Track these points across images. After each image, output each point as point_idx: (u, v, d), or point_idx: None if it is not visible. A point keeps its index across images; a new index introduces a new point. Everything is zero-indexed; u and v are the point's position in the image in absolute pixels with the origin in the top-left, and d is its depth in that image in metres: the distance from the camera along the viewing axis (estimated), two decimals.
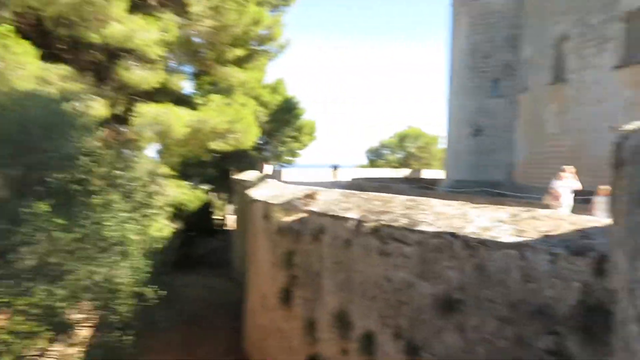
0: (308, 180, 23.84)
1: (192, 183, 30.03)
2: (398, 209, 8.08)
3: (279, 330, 10.62)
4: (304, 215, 10.36)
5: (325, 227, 9.20)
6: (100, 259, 7.69)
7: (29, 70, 10.27)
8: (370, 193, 9.45)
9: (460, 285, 6.20)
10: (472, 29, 30.36)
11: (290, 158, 39.03)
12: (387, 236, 7.54)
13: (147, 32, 12.52)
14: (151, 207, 8.96)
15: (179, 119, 12.61)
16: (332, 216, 9.05)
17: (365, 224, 8.06)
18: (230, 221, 32.48)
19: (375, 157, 53.00)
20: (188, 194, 24.29)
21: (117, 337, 8.17)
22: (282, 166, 36.53)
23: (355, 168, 44.27)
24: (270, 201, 12.05)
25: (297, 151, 38.75)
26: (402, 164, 48.61)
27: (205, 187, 33.60)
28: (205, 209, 27.98)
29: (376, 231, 7.76)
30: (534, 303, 5.28)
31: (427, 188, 24.24)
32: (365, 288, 7.84)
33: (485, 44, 29.88)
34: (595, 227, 5.31)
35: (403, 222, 7.43)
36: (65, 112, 8.18)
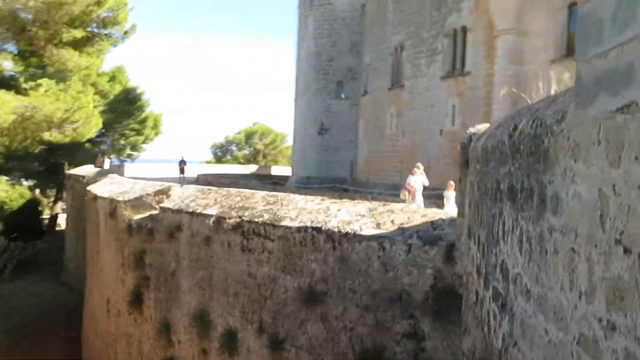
0: (153, 176, 22.48)
1: (12, 179, 26.26)
2: (260, 204, 8.06)
3: (127, 336, 9.87)
4: (157, 212, 9.79)
5: (182, 224, 8.80)
6: None
7: None
8: (230, 189, 9.29)
9: (324, 277, 6.42)
10: (318, 32, 31.68)
11: (133, 152, 36.42)
12: (249, 232, 7.48)
13: None
14: None
15: (3, 104, 10.88)
16: (190, 213, 8.69)
17: (226, 220, 7.90)
18: (62, 220, 29.22)
19: (222, 153, 52.26)
20: (8, 191, 21.18)
21: None
22: (124, 161, 33.92)
23: (201, 164, 43.06)
24: (117, 198, 11.13)
25: (141, 145, 36.31)
26: (250, 160, 48.75)
27: (29, 183, 29.67)
28: (31, 208, 24.70)
29: (238, 227, 7.65)
30: (392, 290, 5.70)
31: (277, 184, 24.61)
32: (227, 285, 7.68)
33: (329, 47, 31.40)
34: (443, 219, 5.93)
35: (266, 217, 7.44)
36: None
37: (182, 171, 26.06)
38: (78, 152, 28.90)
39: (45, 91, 13.60)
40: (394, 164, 23.57)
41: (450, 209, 6.98)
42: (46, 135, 12.94)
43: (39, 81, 14.93)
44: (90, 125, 13.76)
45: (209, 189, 9.47)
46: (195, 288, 8.26)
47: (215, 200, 8.83)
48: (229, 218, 7.85)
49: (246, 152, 51.10)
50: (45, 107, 11.85)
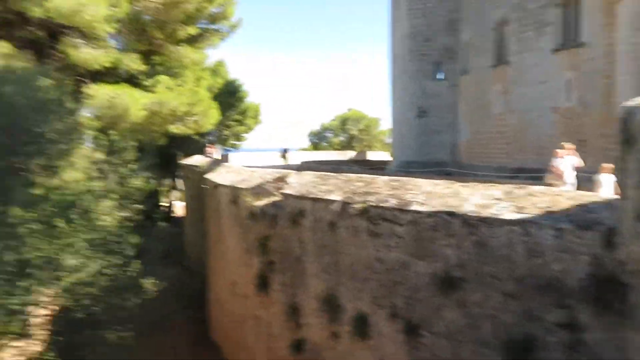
0: (257, 164, 23.41)
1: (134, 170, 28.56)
2: (384, 189, 8.03)
3: (255, 318, 10.37)
4: (278, 198, 10.11)
5: (305, 210, 9.02)
6: (94, 252, 7.16)
7: None
8: (349, 174, 9.35)
9: (460, 263, 6.26)
10: (412, 13, 30.78)
11: (236, 142, 38.20)
12: (376, 217, 7.48)
13: (96, 7, 11.57)
14: (134, 193, 8.47)
15: (135, 102, 11.83)
16: (313, 199, 8.87)
17: (351, 206, 7.96)
18: (178, 208, 31.40)
19: (318, 140, 53.15)
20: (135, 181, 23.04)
21: (117, 335, 7.68)
22: (228, 150, 35.67)
23: (299, 151, 44.06)
24: (238, 186, 11.67)
25: (243, 135, 38.00)
26: (345, 146, 49.04)
27: (147, 174, 32.10)
28: (153, 197, 26.75)
29: (364, 212, 7.68)
30: (541, 277, 5.41)
31: (378, 169, 24.54)
32: (354, 270, 7.76)
33: (425, 27, 30.40)
34: (597, 202, 5.50)
35: (393, 202, 7.39)
36: (44, 89, 7.39)
37: (285, 159, 26.81)
38: (187, 143, 30.75)
39: (166, 87, 14.56)
40: (501, 145, 22.52)
41: (605, 193, 6.42)
42: (172, 129, 13.91)
43: (157, 78, 16.01)
44: (208, 117, 14.58)
45: (328, 175, 9.60)
46: (321, 273, 8.44)
47: (336, 185, 8.93)
48: (354, 203, 7.90)
49: (341, 138, 51.44)
50: (171, 102, 12.73)
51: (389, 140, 46.74)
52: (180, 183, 31.78)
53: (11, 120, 6.72)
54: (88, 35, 12.54)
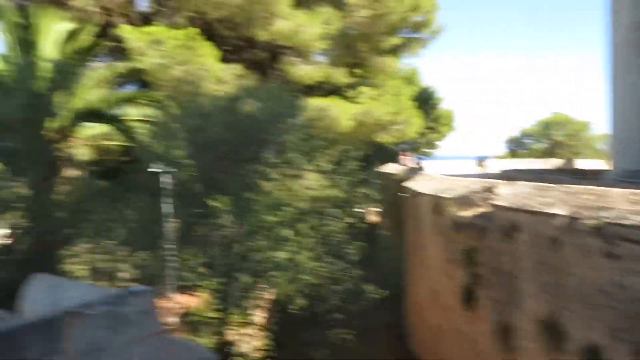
0: (455, 172, 22.70)
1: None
2: (621, 204, 6.98)
3: (458, 332, 9.99)
4: (487, 210, 9.59)
5: (519, 224, 8.35)
6: (325, 256, 7.84)
7: (211, 71, 10.79)
8: (574, 186, 8.39)
9: None
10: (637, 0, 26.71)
11: (429, 150, 37.85)
12: (615, 236, 6.51)
13: (312, 27, 12.53)
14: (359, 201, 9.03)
15: (344, 112, 12.50)
16: (530, 212, 8.17)
17: (580, 222, 7.09)
18: (371, 214, 32.29)
19: (516, 146, 49.40)
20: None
21: (340, 335, 8.28)
22: (421, 158, 35.50)
23: (496, 159, 41.56)
24: (440, 195, 11.42)
25: (435, 142, 37.48)
26: (547, 153, 44.69)
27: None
28: (345, 202, 28.00)
29: (598, 230, 6.77)
30: None
31: (591, 179, 21.70)
32: (584, 294, 6.89)
33: None
34: None
35: (637, 219, 6.36)
36: (281, 104, 8.42)
37: (482, 167, 25.58)
38: (381, 151, 31.44)
39: (369, 97, 15.07)
40: None
41: None
42: (376, 138, 14.37)
43: (360, 89, 16.67)
44: (412, 125, 14.67)
45: (548, 186, 8.75)
46: (540, 293, 7.71)
47: (558, 198, 8.08)
48: (584, 219, 7.03)
49: (543, 144, 47.13)
50: (376, 112, 13.16)
51: (602, 146, 41.33)
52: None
53: (258, 132, 7.69)
54: (302, 54, 13.67)
